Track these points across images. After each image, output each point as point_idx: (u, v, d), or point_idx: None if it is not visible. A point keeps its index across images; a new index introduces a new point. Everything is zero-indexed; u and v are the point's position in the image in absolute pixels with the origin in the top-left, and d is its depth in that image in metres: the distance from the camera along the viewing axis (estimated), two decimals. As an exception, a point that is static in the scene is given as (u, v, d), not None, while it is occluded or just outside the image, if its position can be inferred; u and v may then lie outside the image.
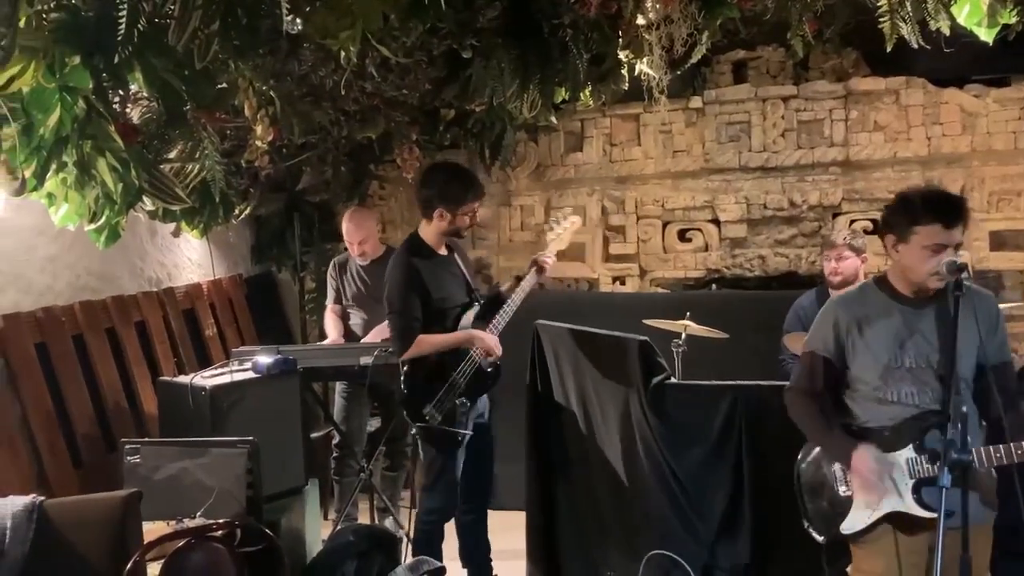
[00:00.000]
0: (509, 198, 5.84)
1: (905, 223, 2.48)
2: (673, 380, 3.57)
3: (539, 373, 3.98)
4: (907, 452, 2.50)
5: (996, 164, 5.06)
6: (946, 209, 2.45)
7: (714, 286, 5.49)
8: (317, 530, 4.04)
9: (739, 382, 3.32)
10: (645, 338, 3.46)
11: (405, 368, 3.59)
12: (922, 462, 2.48)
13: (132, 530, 2.74)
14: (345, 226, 4.72)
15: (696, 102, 5.42)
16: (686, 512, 3.35)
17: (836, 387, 2.67)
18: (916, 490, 2.47)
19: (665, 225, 5.57)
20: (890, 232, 2.54)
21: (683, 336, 4.18)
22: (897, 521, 2.50)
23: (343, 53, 2.82)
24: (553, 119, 4.96)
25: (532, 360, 4.00)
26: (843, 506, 2.60)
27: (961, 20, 3.32)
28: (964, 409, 2.25)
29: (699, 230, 5.52)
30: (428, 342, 3.55)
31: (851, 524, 2.58)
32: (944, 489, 2.20)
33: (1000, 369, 2.49)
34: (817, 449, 2.73)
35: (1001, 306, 4.13)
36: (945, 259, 2.41)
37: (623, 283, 5.63)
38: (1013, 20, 3.27)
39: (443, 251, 3.73)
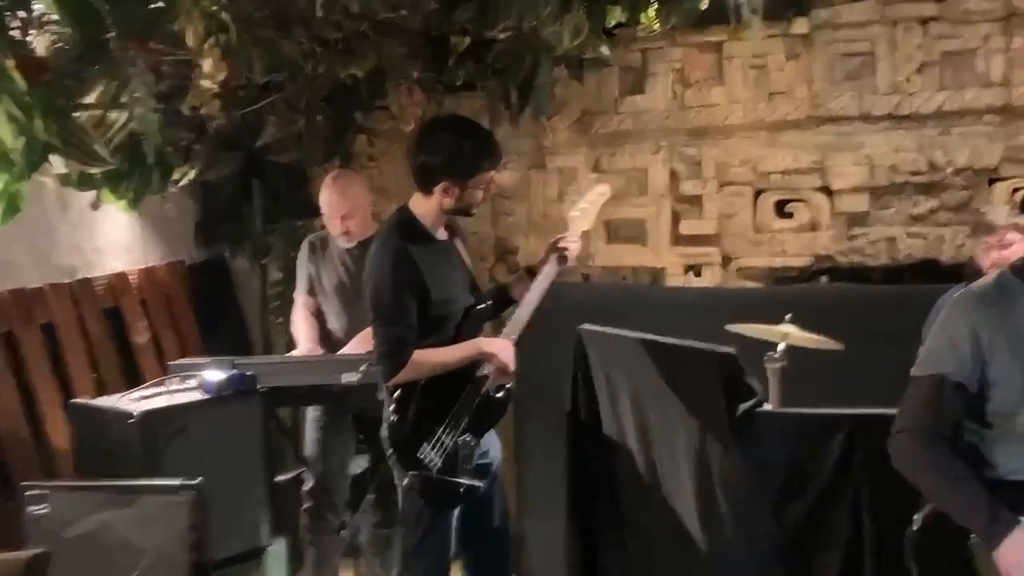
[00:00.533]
0: (543, 158, 5.85)
1: None
2: (768, 407, 3.58)
3: (583, 396, 4.01)
4: None
5: None
6: None
7: (824, 278, 5.47)
8: (286, 608, 4.08)
9: (859, 410, 3.32)
10: (729, 349, 3.47)
11: (395, 396, 3.61)
12: None
13: (37, 605, 2.78)
14: (325, 195, 4.76)
15: (801, 26, 5.38)
16: (784, 582, 3.36)
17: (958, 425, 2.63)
18: None
19: (757, 195, 5.55)
20: None
21: (781, 347, 4.16)
22: None
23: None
24: (604, 50, 4.94)
25: (574, 378, 4.05)
26: None
27: None
28: None
29: (804, 202, 5.49)
30: (427, 360, 3.58)
31: None
32: None
33: None
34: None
35: None
36: None
37: (698, 274, 5.62)
38: None
39: (442, 234, 3.76)
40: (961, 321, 2.63)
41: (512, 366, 3.67)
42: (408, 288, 3.57)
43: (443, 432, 3.57)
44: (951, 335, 2.63)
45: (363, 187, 4.91)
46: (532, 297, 3.77)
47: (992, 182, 5.19)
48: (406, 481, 3.63)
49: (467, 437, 3.60)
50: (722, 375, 3.43)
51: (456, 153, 3.62)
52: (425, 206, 3.70)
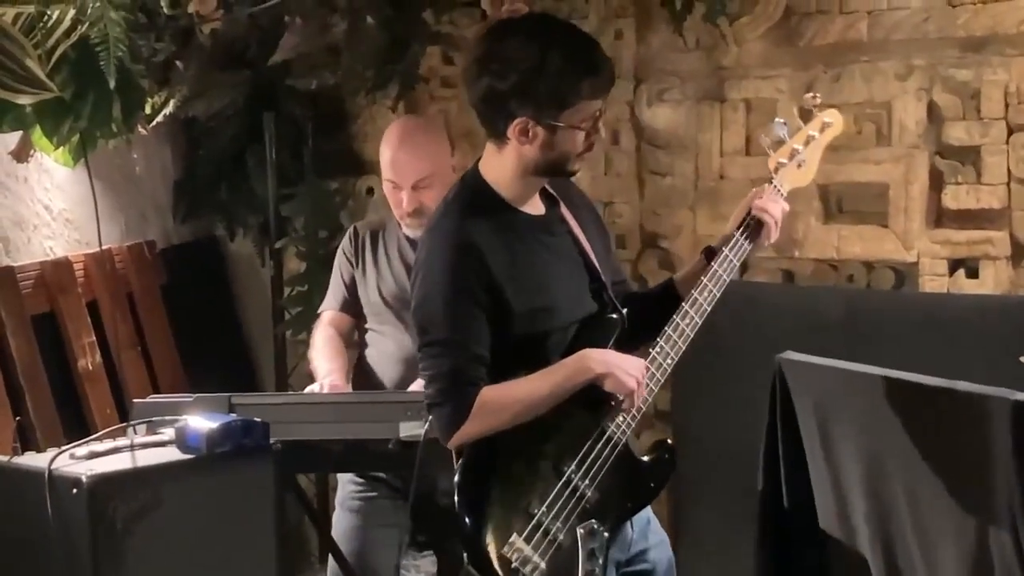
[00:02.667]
0: (722, 84, 5.86)
1: None
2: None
3: (785, 464, 4.12)
4: None
5: None
6: None
7: None
8: None
9: None
10: (1024, 396, 3.52)
11: (461, 461, 3.65)
12: None
13: None
14: (387, 152, 4.80)
15: None
16: None
17: None
18: None
19: (1074, 147, 5.52)
20: None
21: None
22: None
23: None
24: None
25: (769, 434, 4.15)
26: None
27: None
28: None
29: None
30: (507, 398, 3.63)
31: None
32: None
33: None
34: None
35: None
36: None
37: (974, 274, 5.52)
38: None
39: (534, 208, 3.79)
40: None
41: (641, 390, 3.67)
42: (470, 294, 3.60)
43: (545, 515, 3.56)
44: None
45: (445, 140, 4.93)
46: (705, 297, 3.82)
47: None
48: None
49: (593, 523, 3.61)
50: (1016, 431, 3.42)
51: (539, 71, 3.59)
52: (500, 164, 3.73)
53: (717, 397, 4.74)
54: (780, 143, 4.07)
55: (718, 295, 3.82)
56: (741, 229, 3.90)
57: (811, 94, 4.44)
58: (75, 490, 3.70)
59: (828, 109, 4.19)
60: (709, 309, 3.81)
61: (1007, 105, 5.43)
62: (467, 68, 3.86)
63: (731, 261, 3.87)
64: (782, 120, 4.11)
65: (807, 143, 4.07)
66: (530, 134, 3.62)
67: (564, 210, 3.87)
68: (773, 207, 3.90)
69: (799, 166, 4.06)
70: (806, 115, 4.26)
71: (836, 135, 4.19)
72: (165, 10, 4.42)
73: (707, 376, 4.93)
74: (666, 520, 5.38)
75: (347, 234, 5.08)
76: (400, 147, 4.77)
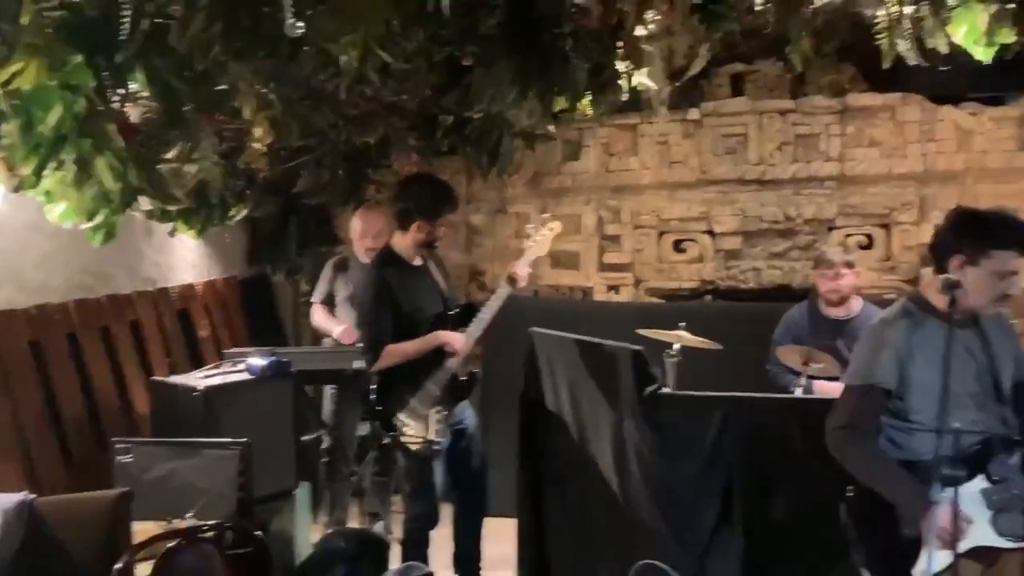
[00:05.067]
0: (505, 205, 5.85)
1: (980, 246, 2.39)
2: (666, 390, 3.56)
3: (532, 381, 3.97)
4: (980, 483, 2.42)
5: (991, 182, 5.09)
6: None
7: (709, 297, 5.50)
8: (307, 534, 4.02)
9: (732, 394, 3.31)
10: (639, 348, 3.46)
11: (376, 379, 3.61)
12: (998, 491, 2.39)
13: (122, 529, 2.76)
14: (357, 224, 4.73)
15: (694, 114, 5.44)
16: (676, 523, 3.32)
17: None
18: (995, 521, 2.38)
19: (660, 235, 5.58)
20: (959, 252, 2.42)
21: (676, 347, 4.18)
22: (975, 555, 2.39)
23: (344, 58, 2.82)
24: (551, 128, 4.96)
25: (526, 368, 3.99)
26: (907, 547, 2.42)
27: (958, 40, 3.36)
28: None
29: (694, 241, 5.53)
30: (395, 351, 3.58)
31: (926, 567, 2.38)
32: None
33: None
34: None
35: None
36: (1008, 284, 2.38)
37: (617, 292, 5.63)
38: (1011, 40, 3.29)
39: (417, 261, 3.74)
40: (883, 340, 2.50)
41: (461, 349, 3.62)
42: (382, 302, 3.56)
43: (417, 403, 3.54)
44: (877, 352, 2.49)
45: (386, 220, 4.75)
46: (490, 307, 3.75)
47: (830, 230, 5.28)
48: (386, 440, 3.62)
49: (439, 408, 3.57)
50: (633, 366, 3.42)
51: (426, 199, 3.62)
52: (403, 241, 3.69)
53: (505, 349, 4.58)
54: (530, 235, 3.98)
55: (498, 306, 3.75)
56: (506, 280, 3.79)
57: (547, 214, 4.44)
58: (196, 393, 3.66)
59: (554, 220, 4.09)
60: (494, 312, 3.75)
61: (632, 217, 5.52)
62: (392, 197, 3.85)
63: (500, 294, 3.76)
64: (532, 225, 4.05)
65: (543, 237, 3.94)
66: (420, 229, 3.61)
67: (429, 263, 3.79)
68: (520, 271, 3.78)
69: (539, 247, 3.92)
70: (543, 222, 4.07)
71: (558, 232, 4.06)
72: (240, 166, 4.28)
73: (502, 339, 4.61)
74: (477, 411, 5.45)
75: (330, 261, 4.88)
76: (363, 221, 4.65)
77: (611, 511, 3.58)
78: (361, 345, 3.65)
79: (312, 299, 4.93)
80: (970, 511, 2.36)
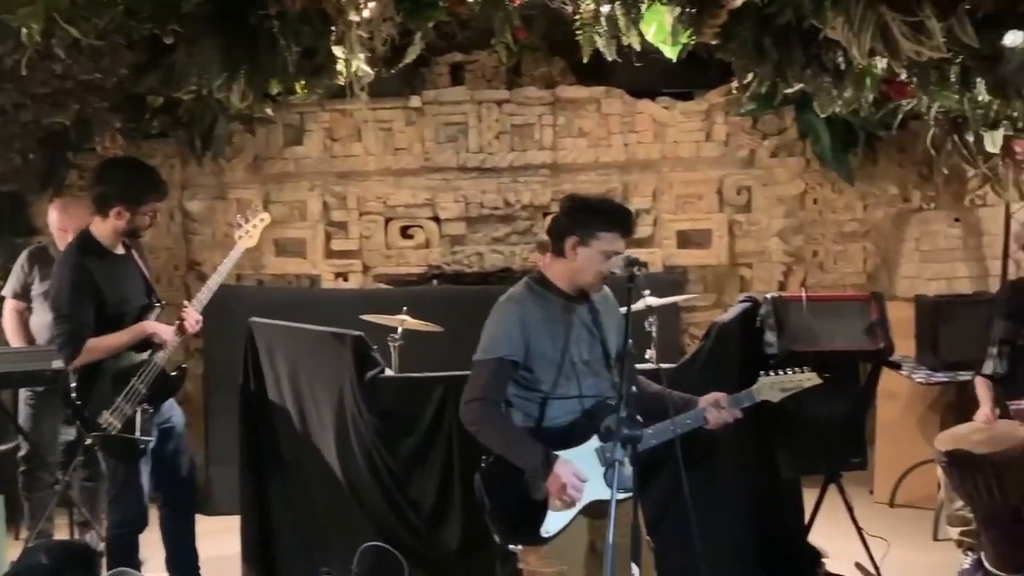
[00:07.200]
0: (224, 191, 5.67)
1: (590, 228, 2.62)
2: (389, 373, 3.61)
3: (253, 372, 3.88)
4: (594, 442, 2.62)
5: (682, 170, 5.65)
6: (627, 221, 2.69)
7: (435, 282, 5.64)
8: (3, 552, 3.69)
9: (450, 373, 3.38)
10: (359, 333, 3.49)
11: (76, 375, 3.38)
12: (608, 448, 2.55)
13: None
14: (55, 215, 4.42)
15: (415, 101, 5.55)
16: (399, 502, 3.41)
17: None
18: (606, 475, 2.54)
19: (388, 222, 5.65)
20: (572, 235, 2.64)
21: (399, 330, 4.27)
22: (590, 510, 2.58)
23: (25, 30, 2.62)
24: (269, 111, 4.87)
25: (245, 359, 3.90)
26: (535, 509, 2.57)
27: (649, 37, 3.72)
28: (634, 390, 2.49)
29: (420, 227, 5.65)
30: (98, 346, 3.35)
31: (552, 526, 2.56)
32: (620, 464, 2.41)
33: (628, 352, 2.60)
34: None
35: (683, 297, 4.63)
36: (619, 258, 2.63)
37: (346, 279, 5.64)
38: (691, 41, 3.69)
39: (119, 250, 3.52)
40: (509, 316, 2.66)
41: (168, 338, 3.44)
42: (83, 292, 3.33)
43: (122, 401, 3.36)
44: (504, 327, 2.65)
45: (84, 208, 4.42)
46: (202, 296, 3.59)
47: (546, 215, 5.60)
48: (88, 441, 3.44)
49: (146, 406, 3.40)
50: (354, 351, 3.43)
51: (128, 185, 3.41)
52: (102, 228, 3.45)
53: (225, 340, 4.46)
54: (240, 227, 3.73)
55: (214, 288, 3.56)
56: (176, 329, 3.48)
57: (256, 206, 4.25)
58: None
59: (264, 213, 3.90)
60: (206, 299, 3.54)
61: (359, 203, 5.56)
62: (89, 180, 3.60)
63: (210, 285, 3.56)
64: (241, 216, 3.79)
65: (254, 228, 3.75)
66: (120, 216, 3.38)
67: (133, 252, 3.54)
68: (189, 316, 3.49)
69: (250, 238, 3.74)
70: (253, 213, 3.82)
71: (268, 223, 3.87)
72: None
73: (221, 329, 4.51)
74: (199, 406, 5.23)
75: (26, 251, 4.53)
76: (61, 212, 4.34)
77: (337, 498, 3.59)
78: (59, 340, 3.37)
79: (2, 293, 4.58)
80: (586, 469, 2.57)
